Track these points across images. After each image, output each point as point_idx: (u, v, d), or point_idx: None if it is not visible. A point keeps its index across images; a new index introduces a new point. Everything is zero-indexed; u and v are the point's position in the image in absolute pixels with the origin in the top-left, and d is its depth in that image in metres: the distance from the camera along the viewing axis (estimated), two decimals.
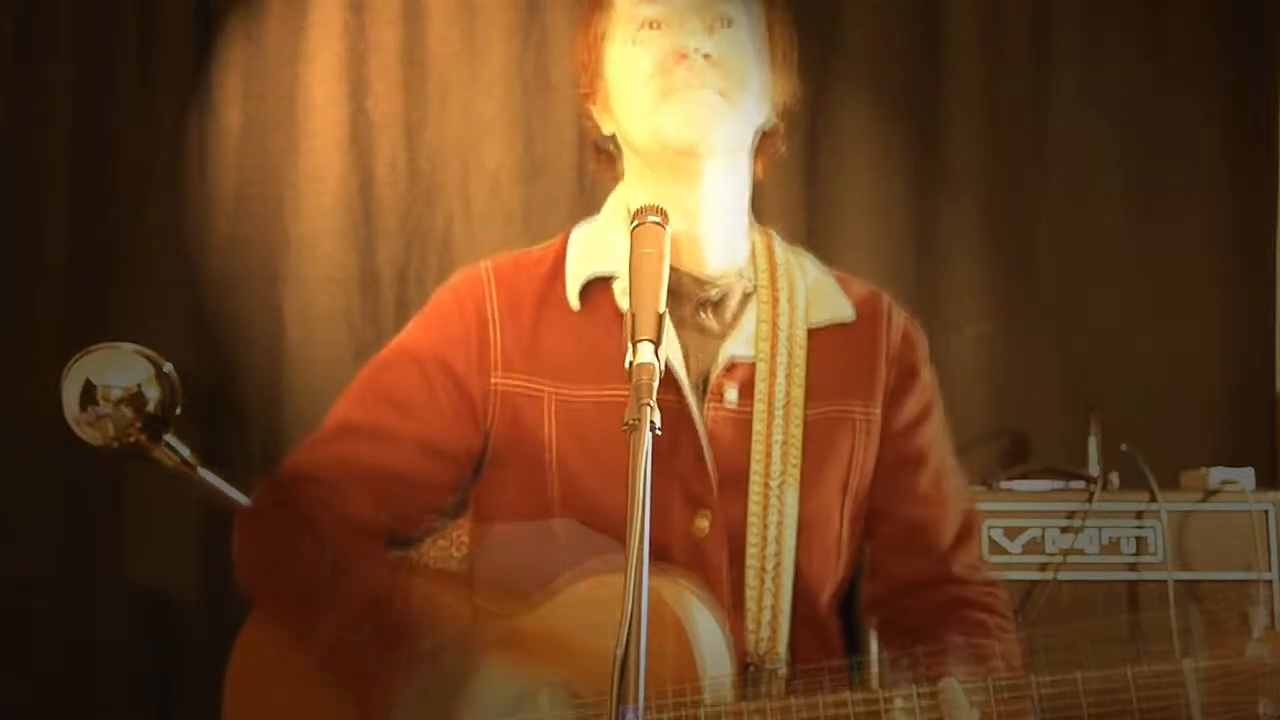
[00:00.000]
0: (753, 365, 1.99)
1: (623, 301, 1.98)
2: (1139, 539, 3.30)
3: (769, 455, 1.95)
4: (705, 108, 1.95)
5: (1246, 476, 3.37)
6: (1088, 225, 3.97)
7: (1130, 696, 1.72)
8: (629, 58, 1.98)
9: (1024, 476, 3.51)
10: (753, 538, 1.94)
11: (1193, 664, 1.72)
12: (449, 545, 2.15)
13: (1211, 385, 3.94)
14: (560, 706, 1.85)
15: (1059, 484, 3.45)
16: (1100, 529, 3.31)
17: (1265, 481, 3.44)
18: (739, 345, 2.00)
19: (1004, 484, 3.46)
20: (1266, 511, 3.30)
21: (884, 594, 2.05)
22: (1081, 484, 3.41)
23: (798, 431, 1.97)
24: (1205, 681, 1.71)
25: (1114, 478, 3.43)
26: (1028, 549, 3.31)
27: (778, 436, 1.96)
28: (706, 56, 1.95)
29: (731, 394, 1.98)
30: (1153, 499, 3.30)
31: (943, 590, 2.02)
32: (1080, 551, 3.30)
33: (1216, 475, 3.35)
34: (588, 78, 2.06)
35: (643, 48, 1.97)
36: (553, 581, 1.90)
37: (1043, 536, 3.31)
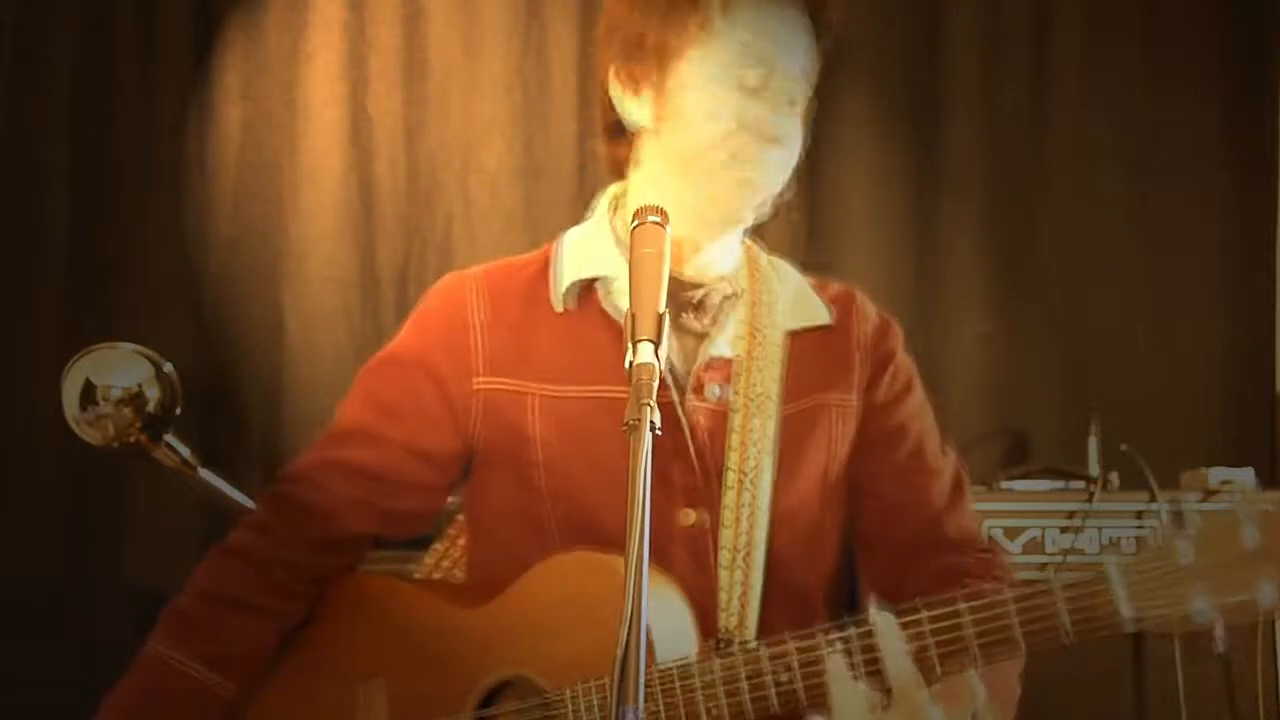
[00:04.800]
0: (732, 363, 2.03)
1: (607, 302, 2.02)
2: (1139, 539, 3.30)
3: (745, 446, 2.00)
4: (759, 190, 2.00)
5: (1246, 476, 3.36)
6: (1088, 225, 3.97)
7: (1055, 599, 1.71)
8: (720, 100, 1.96)
9: (1024, 476, 3.51)
10: (727, 522, 1.98)
11: (1115, 560, 1.69)
12: (447, 561, 2.17)
13: (1211, 385, 3.94)
14: (521, 700, 1.88)
15: (1059, 484, 3.45)
16: (1100, 529, 3.31)
17: (1265, 481, 3.45)
18: (720, 344, 2.05)
19: (1004, 484, 3.45)
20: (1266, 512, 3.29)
21: (881, 569, 2.07)
22: (1081, 484, 3.40)
23: (771, 424, 2.01)
24: (1133, 580, 1.67)
25: (1114, 478, 3.42)
26: (1028, 549, 3.31)
27: (754, 429, 2.00)
28: (778, 141, 1.98)
29: (714, 390, 2.02)
30: (1153, 499, 3.30)
31: (939, 559, 2.03)
32: (1080, 551, 3.29)
33: (1216, 475, 3.35)
34: (633, 79, 2.01)
35: (740, 100, 1.95)
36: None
37: (1043, 536, 3.31)
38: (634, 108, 2.03)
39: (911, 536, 2.05)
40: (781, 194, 2.06)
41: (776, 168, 2.00)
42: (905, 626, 1.75)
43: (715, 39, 1.96)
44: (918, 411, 2.11)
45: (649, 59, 1.99)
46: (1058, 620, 1.70)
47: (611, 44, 2.04)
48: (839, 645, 1.76)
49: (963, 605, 1.74)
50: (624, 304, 1.97)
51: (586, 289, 2.04)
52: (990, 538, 2.15)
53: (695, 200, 1.96)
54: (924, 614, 1.75)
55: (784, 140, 1.99)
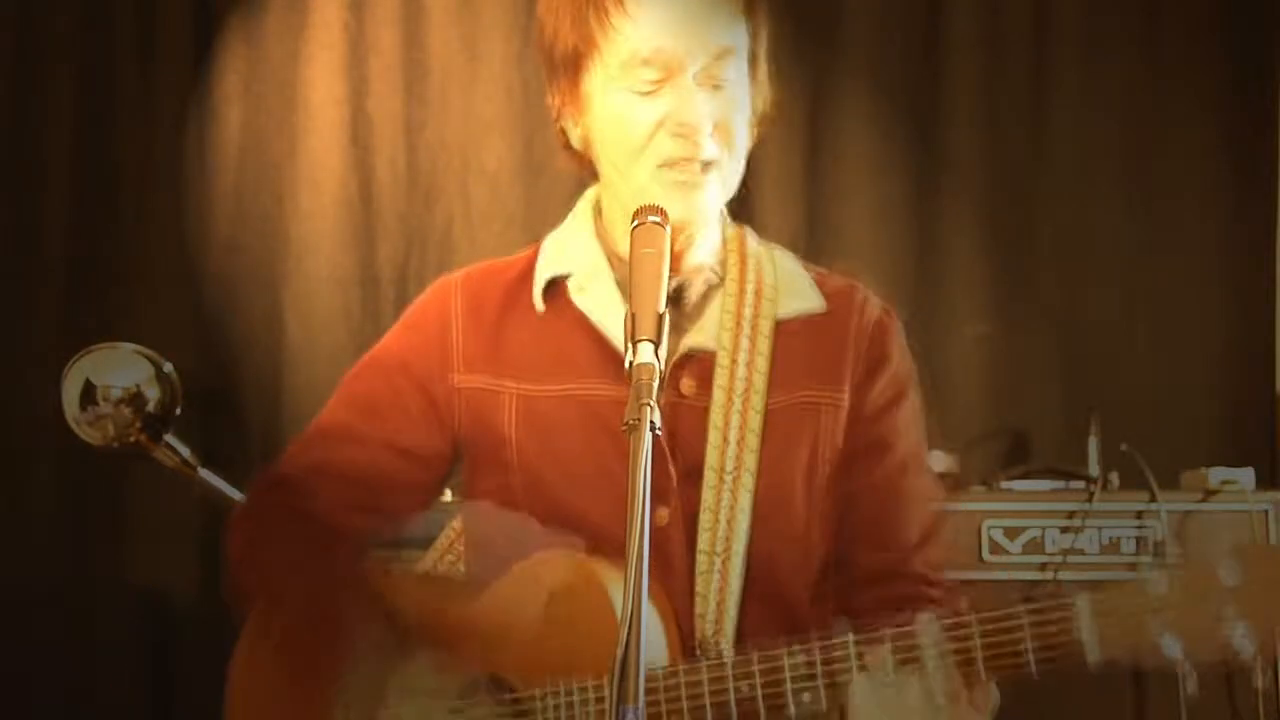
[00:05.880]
0: (711, 357, 1.98)
1: (576, 298, 1.99)
2: (1139, 539, 3.30)
3: (725, 444, 1.95)
4: (698, 192, 1.93)
5: (1246, 476, 3.36)
6: (1088, 225, 3.97)
7: (1023, 635, 1.68)
8: (622, 107, 1.93)
9: (1024, 476, 3.50)
10: (705, 523, 1.93)
11: (1085, 597, 1.63)
12: (451, 556, 2.16)
13: (1211, 385, 3.94)
14: (493, 701, 1.88)
15: (1059, 484, 3.44)
16: (1100, 529, 3.31)
17: (1265, 481, 3.44)
18: (699, 337, 2.00)
19: (1004, 484, 3.45)
20: (1266, 511, 3.30)
21: (845, 586, 2.01)
22: (1081, 484, 3.40)
23: (756, 420, 1.96)
24: (1100, 616, 1.63)
25: (1114, 478, 3.42)
26: (1028, 549, 3.31)
27: (735, 423, 1.96)
28: (707, 130, 1.91)
29: (687, 384, 1.98)
30: (1153, 499, 3.30)
31: (903, 587, 1.98)
32: (1080, 551, 3.29)
33: (1216, 475, 3.35)
34: (560, 94, 2.02)
35: (640, 104, 1.91)
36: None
37: (1043, 536, 3.31)
38: (572, 132, 2.02)
39: (880, 562, 2.00)
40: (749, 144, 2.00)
41: (713, 156, 1.92)
42: (861, 645, 1.74)
43: (616, 40, 1.91)
44: (907, 425, 2.04)
45: (564, 76, 1.99)
46: (1022, 649, 1.68)
47: (542, 64, 2.03)
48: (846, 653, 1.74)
49: (928, 616, 1.73)
50: (592, 303, 1.98)
51: (560, 288, 2.02)
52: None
53: (643, 203, 1.89)
54: (888, 634, 1.73)
55: (717, 126, 1.91)
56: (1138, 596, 1.62)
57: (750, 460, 1.95)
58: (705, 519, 1.93)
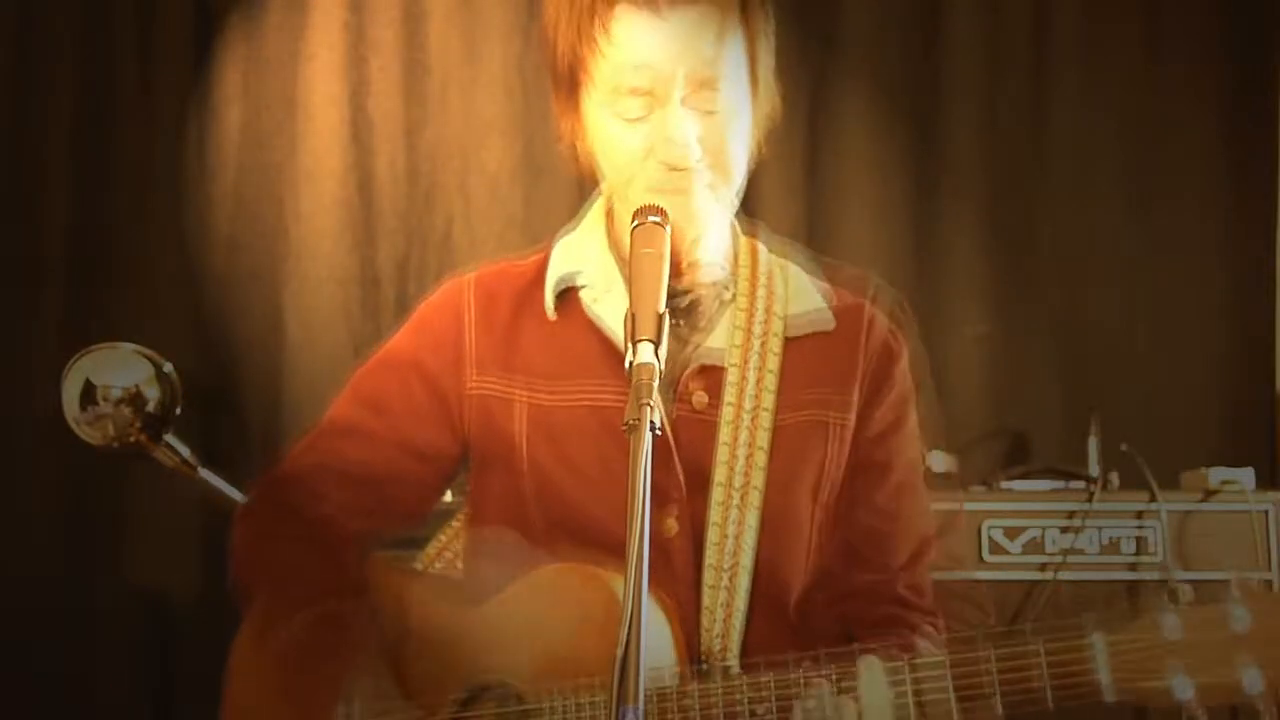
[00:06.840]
0: (723, 370, 1.98)
1: (587, 305, 1.99)
2: (1139, 539, 3.30)
3: (734, 458, 1.95)
4: (694, 213, 1.92)
5: (1246, 476, 3.36)
6: (1088, 225, 3.97)
7: (1041, 673, 1.67)
8: (612, 134, 1.92)
9: (1024, 476, 3.51)
10: (713, 538, 1.93)
11: (1102, 637, 1.65)
12: (449, 553, 2.16)
13: (1211, 385, 3.94)
14: (501, 706, 1.87)
15: (1059, 484, 3.45)
16: (1100, 529, 3.31)
17: (1265, 481, 3.44)
18: (709, 351, 2.00)
19: (1004, 484, 3.46)
20: (1266, 511, 3.30)
21: (825, 599, 2.01)
22: (1081, 484, 3.40)
23: (765, 435, 1.96)
24: (1115, 655, 1.65)
25: (1114, 478, 3.43)
26: (1028, 549, 3.31)
27: (744, 439, 1.96)
28: (695, 151, 1.89)
29: (699, 398, 1.97)
30: (1153, 499, 3.30)
31: (883, 608, 1.99)
32: (1080, 551, 3.30)
33: (1216, 475, 3.35)
34: (561, 107, 2.01)
35: (627, 132, 1.90)
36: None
37: (1043, 536, 3.31)
38: (579, 144, 2.00)
39: (866, 582, 2.00)
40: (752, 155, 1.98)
41: (707, 180, 1.91)
42: (889, 674, 1.72)
43: (602, 64, 1.90)
44: (903, 448, 2.05)
45: (565, 89, 1.97)
46: (1038, 686, 1.67)
47: (548, 73, 2.02)
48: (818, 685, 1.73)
49: (947, 656, 1.72)
50: (606, 311, 1.97)
51: (571, 294, 2.01)
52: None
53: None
54: (907, 664, 1.72)
55: (708, 150, 1.90)
56: (1153, 639, 1.65)
57: (758, 476, 1.95)
58: (713, 534, 1.93)
